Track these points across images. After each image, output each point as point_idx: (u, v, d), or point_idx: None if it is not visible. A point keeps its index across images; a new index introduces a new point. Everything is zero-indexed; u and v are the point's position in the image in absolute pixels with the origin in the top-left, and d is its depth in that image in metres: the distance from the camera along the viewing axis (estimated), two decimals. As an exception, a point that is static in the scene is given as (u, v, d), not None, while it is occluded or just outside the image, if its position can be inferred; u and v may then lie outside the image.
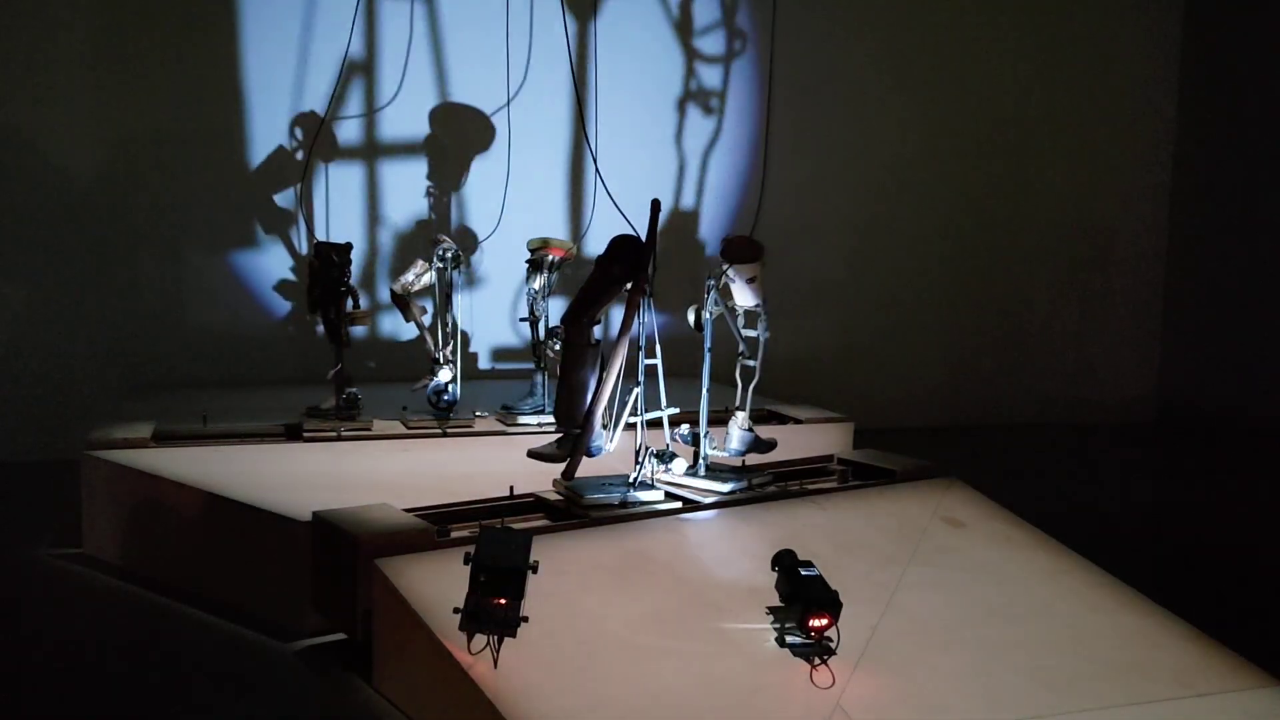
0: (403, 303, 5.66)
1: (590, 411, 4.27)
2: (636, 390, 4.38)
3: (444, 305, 5.68)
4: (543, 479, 4.48)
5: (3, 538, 5.32)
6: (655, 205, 4.34)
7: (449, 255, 5.65)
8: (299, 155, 7.37)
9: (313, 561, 4.03)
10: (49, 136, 6.92)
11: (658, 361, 4.43)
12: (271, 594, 4.32)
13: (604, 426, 4.34)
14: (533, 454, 4.47)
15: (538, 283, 5.79)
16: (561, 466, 4.38)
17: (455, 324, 5.70)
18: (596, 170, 4.65)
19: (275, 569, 4.29)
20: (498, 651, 3.05)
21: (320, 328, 5.71)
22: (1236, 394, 9.41)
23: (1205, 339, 9.79)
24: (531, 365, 6.00)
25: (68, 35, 6.88)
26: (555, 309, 5.85)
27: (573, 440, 4.34)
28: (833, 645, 3.24)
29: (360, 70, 7.50)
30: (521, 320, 5.93)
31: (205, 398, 6.17)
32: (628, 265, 4.28)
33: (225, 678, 3.87)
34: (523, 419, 5.79)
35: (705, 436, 4.61)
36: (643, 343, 4.37)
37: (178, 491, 4.62)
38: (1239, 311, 9.46)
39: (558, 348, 5.79)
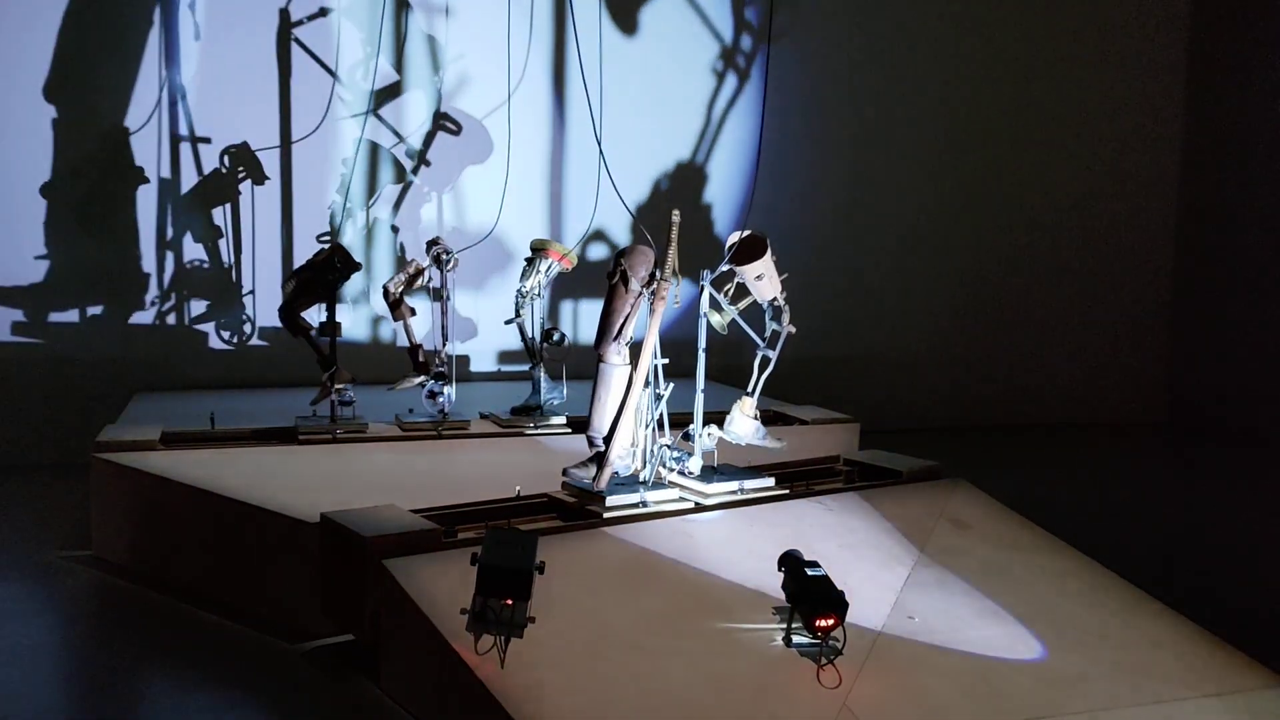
0: (394, 302, 5.69)
1: (618, 430, 4.27)
2: (646, 391, 4.38)
3: (442, 307, 5.69)
4: (545, 480, 4.50)
5: (12, 540, 5.34)
6: (673, 217, 4.36)
7: (443, 256, 5.66)
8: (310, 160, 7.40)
9: (320, 562, 4.05)
10: (54, 136, 6.94)
11: (665, 361, 4.44)
12: (279, 595, 4.34)
13: (632, 444, 4.35)
14: (568, 474, 4.48)
15: (529, 282, 5.78)
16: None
17: (448, 328, 5.70)
18: (601, 155, 4.64)
19: (283, 570, 4.30)
20: (504, 652, 3.05)
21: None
22: (1247, 394, 9.38)
23: (1215, 338, 9.76)
24: (527, 366, 6.00)
25: (81, 32, 6.91)
26: (540, 311, 5.86)
27: (601, 455, 4.35)
28: (839, 645, 3.24)
29: (368, 74, 7.54)
30: (507, 323, 5.88)
31: (211, 401, 6.20)
32: (641, 275, 4.28)
33: (233, 679, 3.88)
34: (511, 419, 5.84)
35: (699, 437, 4.61)
36: (657, 350, 4.38)
37: (186, 493, 4.63)
38: (1250, 310, 9.44)
39: (548, 344, 5.80)
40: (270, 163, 7.36)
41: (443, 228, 7.69)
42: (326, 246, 5.57)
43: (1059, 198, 9.68)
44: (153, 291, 7.22)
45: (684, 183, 8.52)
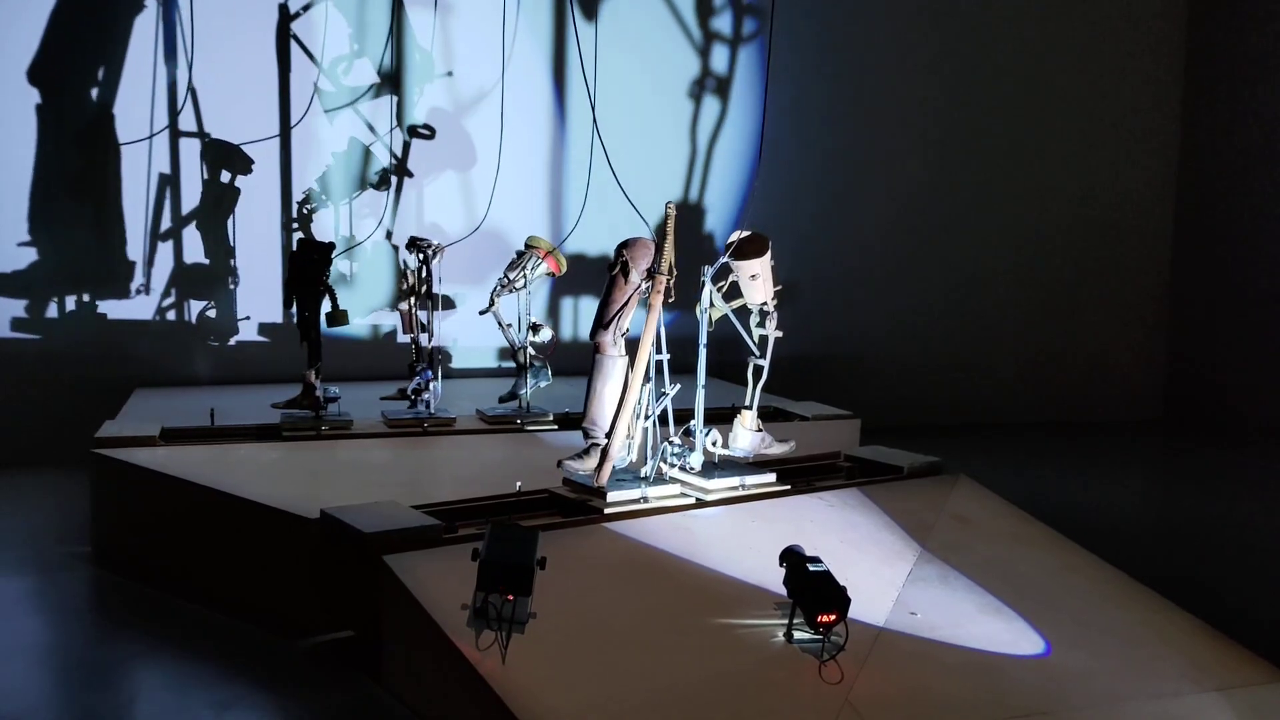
0: (404, 317, 5.71)
1: (617, 423, 4.27)
2: (648, 387, 4.37)
3: (428, 303, 5.70)
4: (530, 474, 4.50)
5: (12, 536, 5.33)
6: (669, 209, 4.34)
7: (427, 252, 5.66)
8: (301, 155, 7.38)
9: (320, 558, 4.04)
10: (53, 131, 6.93)
11: (668, 357, 4.43)
12: (279, 591, 4.33)
13: (628, 436, 4.34)
14: (564, 466, 4.47)
15: (513, 274, 5.72)
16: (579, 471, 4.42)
17: (431, 323, 5.70)
18: (606, 158, 4.62)
19: (283, 566, 4.29)
20: (505, 648, 3.04)
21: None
22: (1243, 390, 9.38)
23: (1212, 335, 9.76)
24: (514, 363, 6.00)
25: (80, 26, 6.89)
26: (521, 306, 5.85)
27: (601, 450, 4.33)
28: (841, 641, 3.23)
29: (362, 71, 7.52)
30: (481, 313, 5.80)
31: (211, 397, 6.19)
32: (642, 268, 4.27)
33: (233, 675, 3.88)
34: (498, 416, 5.88)
35: (700, 433, 4.59)
36: (661, 343, 4.36)
37: (185, 489, 4.62)
38: (1246, 307, 9.44)
39: (535, 339, 5.79)
40: (270, 159, 7.35)
41: (439, 226, 7.67)
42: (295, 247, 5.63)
43: (1057, 196, 9.66)
44: (153, 287, 7.21)
45: (686, 178, 8.51)
